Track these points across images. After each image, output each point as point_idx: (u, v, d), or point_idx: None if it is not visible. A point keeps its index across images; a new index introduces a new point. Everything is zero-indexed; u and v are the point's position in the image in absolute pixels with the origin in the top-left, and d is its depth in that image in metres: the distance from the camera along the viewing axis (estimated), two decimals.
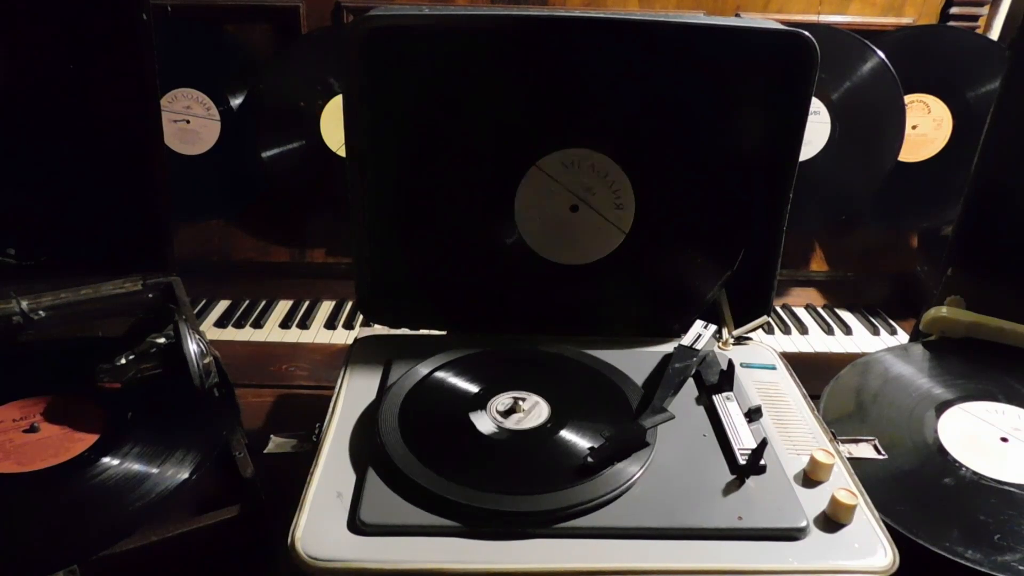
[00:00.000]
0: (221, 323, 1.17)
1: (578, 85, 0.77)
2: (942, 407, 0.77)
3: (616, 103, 0.78)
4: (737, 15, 1.21)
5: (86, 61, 0.78)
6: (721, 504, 0.59)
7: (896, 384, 0.82)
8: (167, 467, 0.66)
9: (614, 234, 0.82)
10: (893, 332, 1.21)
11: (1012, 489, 0.66)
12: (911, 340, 0.98)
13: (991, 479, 0.67)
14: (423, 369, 0.73)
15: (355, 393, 0.72)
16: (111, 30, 0.77)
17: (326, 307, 1.23)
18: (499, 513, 0.56)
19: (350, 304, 1.23)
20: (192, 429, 0.70)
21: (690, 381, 0.74)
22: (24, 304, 0.80)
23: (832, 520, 0.58)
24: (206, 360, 0.73)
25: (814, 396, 0.75)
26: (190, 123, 1.19)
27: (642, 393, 0.71)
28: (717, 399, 0.70)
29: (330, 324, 1.18)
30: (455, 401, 0.69)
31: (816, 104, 1.18)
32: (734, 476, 0.61)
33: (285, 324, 1.18)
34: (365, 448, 0.63)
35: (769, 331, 1.19)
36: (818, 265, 1.29)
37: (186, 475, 0.65)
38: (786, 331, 1.20)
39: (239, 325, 1.17)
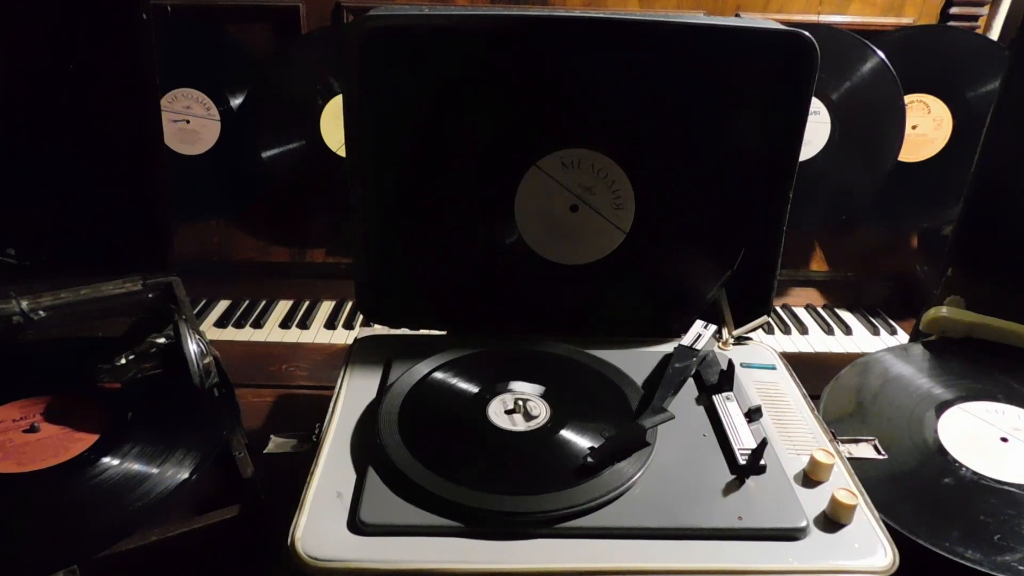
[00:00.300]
0: (221, 323, 1.17)
1: (578, 85, 0.77)
2: (942, 407, 0.77)
3: (616, 103, 0.78)
4: (737, 15, 1.21)
5: (86, 61, 0.78)
6: (721, 504, 0.59)
7: (896, 384, 0.82)
8: (167, 467, 0.66)
9: (614, 234, 0.82)
10: (893, 332, 1.21)
11: (1012, 489, 0.66)
12: (911, 340, 0.98)
13: (991, 479, 0.67)
14: (423, 369, 0.73)
15: (355, 393, 0.72)
16: (111, 30, 0.77)
17: (326, 307, 1.23)
18: (499, 513, 0.56)
19: (350, 304, 1.23)
20: (192, 429, 0.70)
21: (690, 381, 0.74)
22: (24, 304, 0.80)
23: (832, 520, 0.58)
24: (206, 360, 0.73)
25: (814, 396, 0.75)
26: (190, 123, 1.19)
27: (642, 393, 0.71)
28: (717, 399, 0.70)
29: (330, 324, 1.18)
30: (455, 401, 0.69)
31: (816, 104, 1.18)
32: (734, 476, 0.61)
33: (285, 324, 1.18)
34: (365, 448, 0.63)
35: (769, 331, 1.19)
36: (818, 265, 1.29)
37: (186, 475, 0.65)
38: (786, 331, 1.20)
39: (239, 325, 1.17)
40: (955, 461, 0.70)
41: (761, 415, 0.68)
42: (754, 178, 0.79)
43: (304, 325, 1.17)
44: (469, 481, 0.58)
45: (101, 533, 0.60)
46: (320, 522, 0.56)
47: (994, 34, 1.30)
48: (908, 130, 1.20)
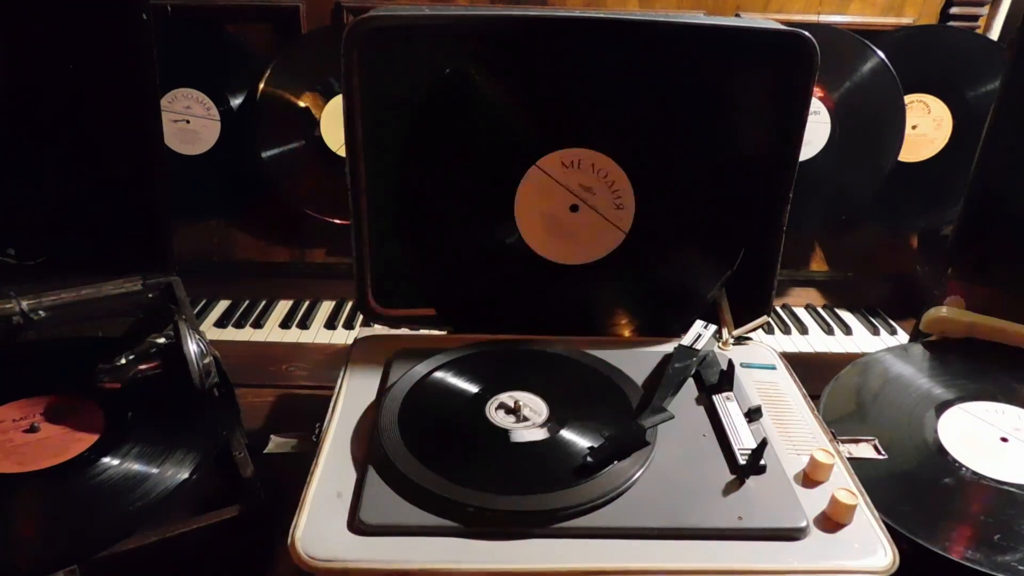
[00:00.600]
0: (221, 323, 1.17)
1: (578, 85, 0.77)
2: (942, 407, 0.77)
3: (616, 103, 0.78)
4: (737, 15, 1.21)
5: (86, 61, 0.78)
6: (721, 504, 0.59)
7: (896, 384, 0.82)
8: (167, 467, 0.66)
9: (614, 234, 0.82)
10: (893, 332, 1.21)
11: (1012, 489, 0.66)
12: (911, 340, 0.98)
13: (991, 479, 0.67)
14: (423, 369, 0.73)
15: (355, 393, 0.72)
16: (111, 30, 0.77)
17: (326, 307, 1.23)
18: (499, 513, 0.56)
19: (350, 304, 1.23)
20: (192, 429, 0.70)
21: (690, 381, 0.74)
22: (24, 304, 0.80)
23: (832, 520, 0.58)
24: (206, 360, 0.73)
25: (814, 396, 0.75)
26: (190, 123, 1.19)
27: (642, 393, 0.71)
28: (717, 399, 0.70)
29: (330, 324, 1.18)
30: (455, 401, 0.69)
31: (816, 104, 1.18)
32: (734, 476, 0.61)
33: (285, 324, 1.18)
34: (365, 448, 0.63)
35: (769, 331, 1.19)
36: (818, 265, 1.29)
37: (186, 475, 0.65)
38: (786, 331, 1.20)
39: (239, 325, 1.17)
40: (955, 461, 0.70)
41: (761, 415, 0.68)
42: (754, 178, 0.79)
43: (304, 325, 1.17)
44: (469, 481, 0.58)
45: (101, 533, 0.60)
46: (320, 522, 0.56)
47: (994, 34, 1.30)
48: (908, 130, 1.20)
